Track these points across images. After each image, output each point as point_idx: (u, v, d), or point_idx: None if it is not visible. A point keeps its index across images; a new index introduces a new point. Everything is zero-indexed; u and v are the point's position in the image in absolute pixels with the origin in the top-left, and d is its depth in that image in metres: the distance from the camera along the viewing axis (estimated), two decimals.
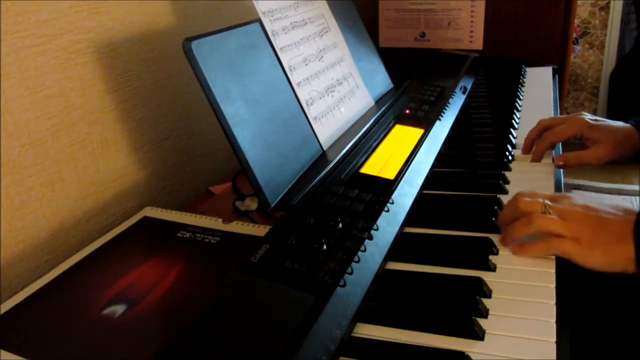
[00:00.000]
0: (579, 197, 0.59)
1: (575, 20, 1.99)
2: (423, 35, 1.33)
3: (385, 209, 0.62)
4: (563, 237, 0.55)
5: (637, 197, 1.16)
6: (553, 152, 0.79)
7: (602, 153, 0.74)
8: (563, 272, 0.54)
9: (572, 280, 0.54)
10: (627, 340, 0.67)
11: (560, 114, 1.09)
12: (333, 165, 0.71)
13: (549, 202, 0.57)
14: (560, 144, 0.82)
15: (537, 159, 0.78)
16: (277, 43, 0.75)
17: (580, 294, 0.63)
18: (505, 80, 1.15)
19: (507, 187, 0.71)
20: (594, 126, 0.76)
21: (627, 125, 0.76)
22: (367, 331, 0.49)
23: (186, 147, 0.91)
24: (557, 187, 0.71)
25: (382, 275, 0.56)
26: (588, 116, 0.77)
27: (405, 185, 0.68)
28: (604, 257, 0.53)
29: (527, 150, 0.81)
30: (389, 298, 0.53)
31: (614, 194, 1.19)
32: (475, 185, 0.73)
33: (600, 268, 0.53)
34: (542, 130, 0.80)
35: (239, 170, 0.87)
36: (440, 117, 0.89)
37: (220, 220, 0.70)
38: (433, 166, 0.77)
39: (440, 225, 0.63)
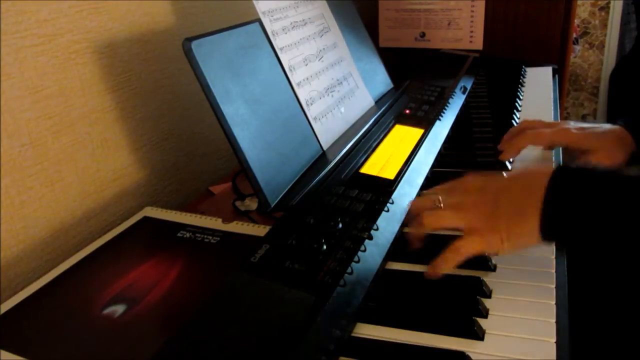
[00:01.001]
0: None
1: (575, 20, 1.99)
2: (423, 35, 1.33)
3: (385, 209, 0.62)
4: (465, 236, 0.51)
5: None
6: (553, 156, 0.78)
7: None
8: (563, 272, 0.54)
9: (572, 281, 0.54)
10: (627, 340, 0.67)
11: (560, 114, 1.08)
12: (333, 165, 0.71)
13: (440, 197, 0.54)
14: (561, 154, 0.80)
15: (506, 156, 0.74)
16: (277, 43, 0.75)
17: (580, 294, 0.63)
18: (505, 80, 1.15)
19: None
20: (582, 136, 0.71)
21: (616, 127, 0.71)
22: (367, 331, 0.49)
23: (186, 147, 0.91)
24: None
25: (382, 275, 0.56)
26: (572, 124, 0.73)
27: (405, 185, 0.68)
28: (509, 243, 0.50)
29: (502, 144, 0.76)
30: (389, 298, 0.53)
31: None
32: None
33: (510, 252, 0.51)
34: (523, 130, 0.76)
35: (239, 170, 0.87)
36: (440, 117, 0.89)
37: (220, 220, 0.70)
38: (433, 166, 0.77)
39: None
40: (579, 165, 0.50)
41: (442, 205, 0.54)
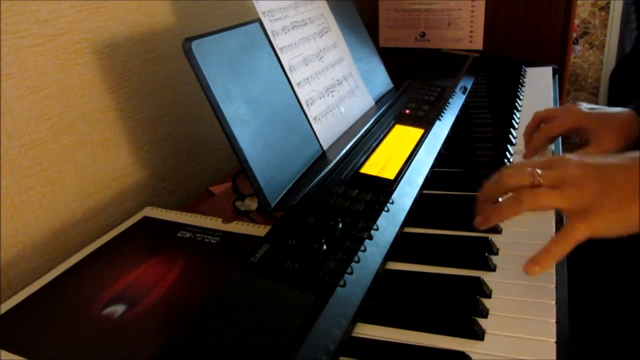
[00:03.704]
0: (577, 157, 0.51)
1: (575, 20, 1.99)
2: (423, 35, 1.33)
3: (385, 209, 0.62)
4: (572, 217, 0.47)
5: None
6: (552, 147, 0.78)
7: (606, 146, 0.68)
8: (563, 272, 0.54)
9: (572, 281, 0.54)
10: (627, 340, 0.67)
11: None
12: (333, 165, 0.71)
13: (539, 170, 0.49)
14: (561, 144, 0.80)
15: (530, 154, 0.75)
16: (277, 43, 0.75)
17: (580, 294, 0.63)
18: (505, 80, 1.15)
19: None
20: (592, 115, 0.71)
21: (626, 110, 0.71)
22: (367, 331, 0.49)
23: (186, 147, 0.91)
24: None
25: (382, 275, 0.56)
26: (584, 105, 0.74)
27: (405, 185, 0.68)
28: (619, 223, 0.46)
29: (525, 140, 0.77)
30: (389, 298, 0.53)
31: None
32: (475, 185, 0.73)
33: (620, 234, 0.46)
34: (538, 123, 0.77)
35: (239, 170, 0.87)
36: (440, 117, 0.89)
37: (220, 220, 0.70)
38: (433, 166, 0.77)
39: (440, 225, 0.63)
40: None
41: (542, 180, 0.49)
